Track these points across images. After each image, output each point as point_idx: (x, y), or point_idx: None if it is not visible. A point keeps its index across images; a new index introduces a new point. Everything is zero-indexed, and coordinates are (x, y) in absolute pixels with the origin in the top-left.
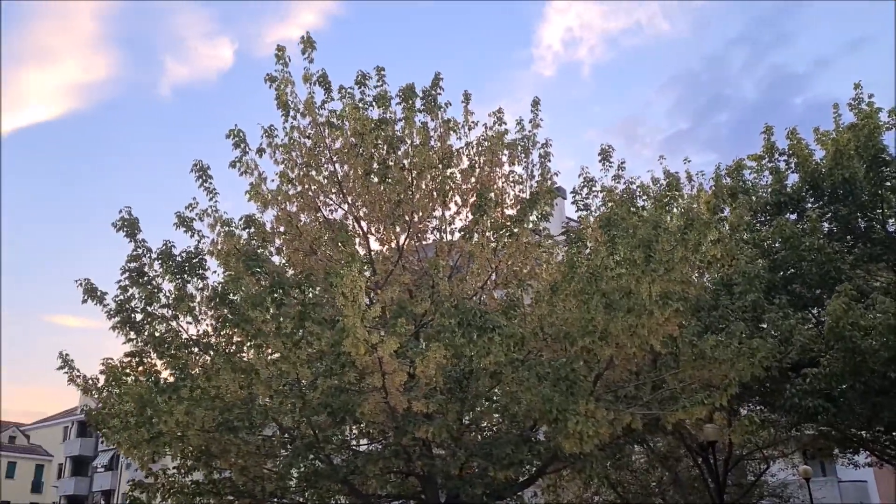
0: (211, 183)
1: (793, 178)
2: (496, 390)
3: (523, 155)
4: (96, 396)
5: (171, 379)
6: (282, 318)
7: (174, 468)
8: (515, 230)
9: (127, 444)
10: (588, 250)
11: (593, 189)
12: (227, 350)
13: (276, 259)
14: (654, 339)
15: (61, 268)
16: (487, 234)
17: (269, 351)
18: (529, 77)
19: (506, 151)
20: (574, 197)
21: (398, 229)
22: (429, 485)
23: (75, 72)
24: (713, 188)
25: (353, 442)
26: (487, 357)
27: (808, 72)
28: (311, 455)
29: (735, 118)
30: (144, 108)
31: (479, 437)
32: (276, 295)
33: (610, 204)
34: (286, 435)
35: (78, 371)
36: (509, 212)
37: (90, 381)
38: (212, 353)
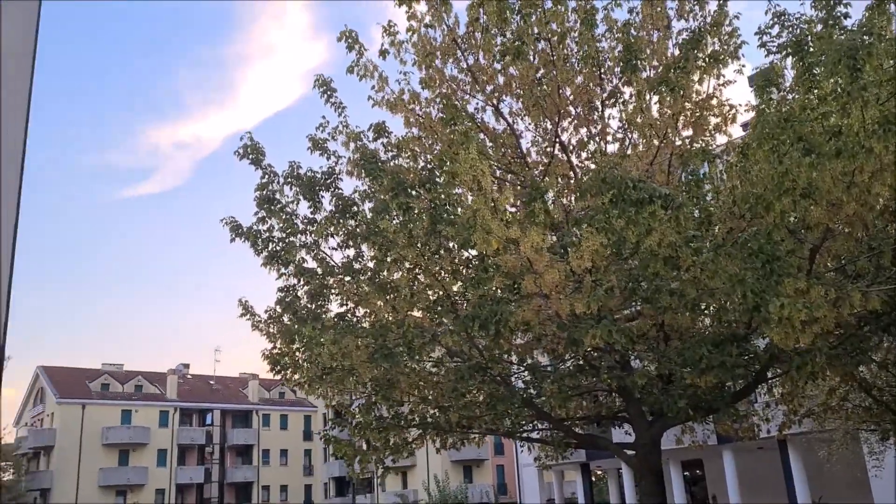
0: (336, 97)
1: None
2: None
3: (697, 7)
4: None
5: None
6: (411, 224)
7: (360, 405)
8: (678, 81)
9: (303, 381)
10: (782, 94)
11: (786, 25)
12: (374, 271)
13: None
14: (880, 186)
15: None
16: (643, 93)
17: (408, 265)
18: None
19: (672, 4)
20: (760, 38)
21: (550, 115)
22: (630, 402)
23: (298, 61)
24: None
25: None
26: (651, 237)
27: None
28: (481, 377)
29: None
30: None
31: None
32: (399, 199)
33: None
34: (455, 358)
35: (259, 317)
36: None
37: (270, 326)
38: (359, 277)
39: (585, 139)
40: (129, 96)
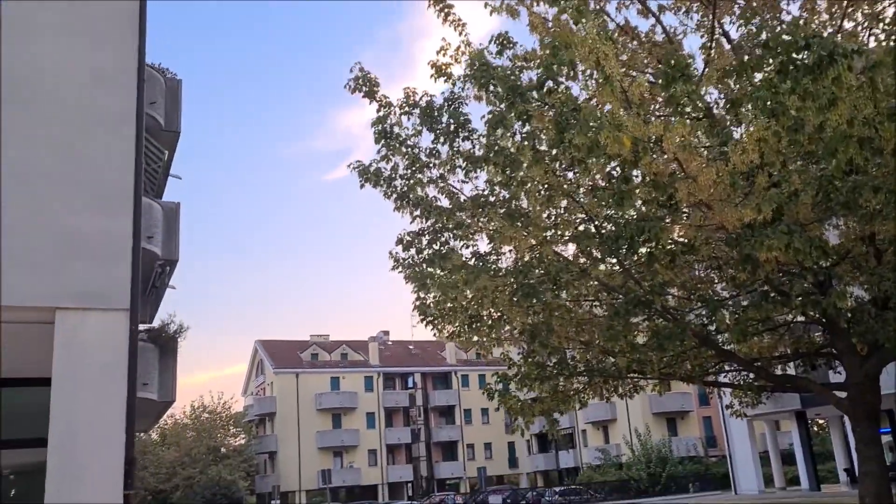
0: (454, 14)
1: None
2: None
3: None
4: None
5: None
6: (535, 138)
7: (520, 355)
8: None
9: (455, 331)
10: None
11: None
12: (507, 201)
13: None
14: None
15: None
16: None
17: (540, 187)
18: None
19: None
20: None
21: None
22: (837, 334)
23: (471, 25)
24: None
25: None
26: (837, 110)
27: None
28: (646, 313)
29: None
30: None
31: None
32: (517, 107)
33: None
34: (616, 295)
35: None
36: None
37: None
38: (492, 210)
39: (749, 15)
40: (322, 85)
